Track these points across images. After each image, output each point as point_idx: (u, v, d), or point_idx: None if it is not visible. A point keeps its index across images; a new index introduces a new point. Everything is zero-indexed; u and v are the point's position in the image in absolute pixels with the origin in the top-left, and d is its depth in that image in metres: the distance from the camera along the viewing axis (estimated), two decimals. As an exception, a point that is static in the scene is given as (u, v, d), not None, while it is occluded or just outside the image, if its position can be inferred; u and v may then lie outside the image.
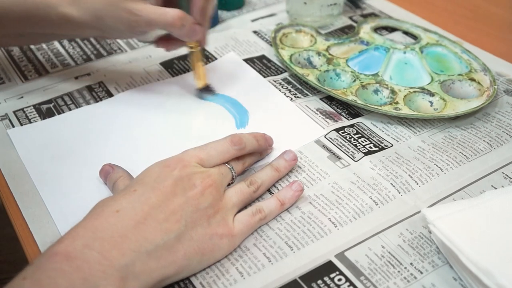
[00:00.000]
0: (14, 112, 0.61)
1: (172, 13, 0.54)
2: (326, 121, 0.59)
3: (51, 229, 0.47)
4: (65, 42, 0.73)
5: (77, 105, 0.62)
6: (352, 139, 0.57)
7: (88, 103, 0.62)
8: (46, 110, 0.61)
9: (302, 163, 0.54)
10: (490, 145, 0.57)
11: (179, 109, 0.61)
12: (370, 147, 0.56)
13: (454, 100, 0.61)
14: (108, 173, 0.50)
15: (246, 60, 0.70)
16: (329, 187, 0.51)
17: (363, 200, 0.50)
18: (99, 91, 0.64)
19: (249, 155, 0.52)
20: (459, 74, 0.65)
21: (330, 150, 0.56)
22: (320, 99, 0.63)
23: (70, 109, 0.61)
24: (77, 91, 0.64)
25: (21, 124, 0.59)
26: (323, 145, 0.56)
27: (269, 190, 0.51)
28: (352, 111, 0.61)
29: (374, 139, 0.57)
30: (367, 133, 0.58)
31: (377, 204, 0.50)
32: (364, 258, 0.45)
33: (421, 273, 0.44)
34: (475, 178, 0.53)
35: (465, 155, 0.55)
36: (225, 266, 0.44)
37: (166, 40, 0.61)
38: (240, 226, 0.46)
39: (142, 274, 0.39)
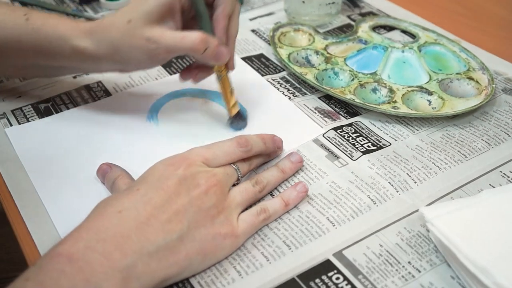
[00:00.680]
0: (12, 111, 0.61)
1: (192, 36, 0.50)
2: (325, 120, 0.59)
3: (49, 228, 0.47)
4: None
5: (75, 104, 0.62)
6: (350, 138, 0.57)
7: (86, 102, 0.62)
8: (44, 109, 0.61)
9: (301, 162, 0.54)
10: (488, 143, 0.57)
11: (177, 109, 0.61)
12: (368, 146, 0.56)
13: (452, 98, 0.61)
14: (106, 172, 0.50)
15: (244, 59, 0.70)
16: (327, 186, 0.51)
17: (361, 199, 0.50)
18: (97, 90, 0.64)
19: (256, 156, 0.51)
20: (457, 73, 0.65)
21: (328, 149, 0.56)
22: (319, 98, 0.63)
23: (68, 108, 0.61)
24: (76, 90, 0.64)
25: (19, 123, 0.59)
26: (321, 144, 0.56)
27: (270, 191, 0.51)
28: (350, 110, 0.61)
29: (372, 138, 0.57)
30: (365, 132, 0.58)
31: (375, 203, 0.50)
32: (362, 256, 0.45)
33: (419, 271, 0.44)
34: (473, 176, 0.53)
35: (463, 154, 0.55)
36: (223, 266, 0.44)
37: (192, 69, 0.56)
38: (244, 226, 0.45)
39: (144, 275, 0.39)
